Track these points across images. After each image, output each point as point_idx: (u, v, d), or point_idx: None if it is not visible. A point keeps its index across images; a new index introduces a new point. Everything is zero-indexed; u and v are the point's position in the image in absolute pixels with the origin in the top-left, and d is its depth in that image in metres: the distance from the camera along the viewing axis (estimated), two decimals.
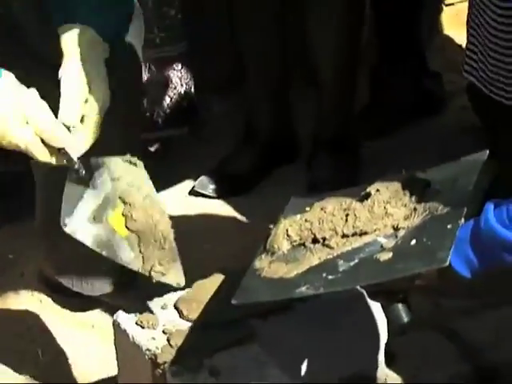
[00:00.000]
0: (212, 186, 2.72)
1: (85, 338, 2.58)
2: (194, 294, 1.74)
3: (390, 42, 3.16)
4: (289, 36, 2.85)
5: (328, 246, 1.49)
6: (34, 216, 2.23)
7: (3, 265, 2.72)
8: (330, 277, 1.42)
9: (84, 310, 2.67)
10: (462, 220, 1.44)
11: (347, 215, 1.52)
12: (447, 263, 1.38)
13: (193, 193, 2.72)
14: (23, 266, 2.70)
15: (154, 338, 1.66)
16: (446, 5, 3.48)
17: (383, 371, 1.88)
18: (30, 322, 2.62)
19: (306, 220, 1.57)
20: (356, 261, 1.45)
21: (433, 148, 2.89)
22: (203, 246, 2.53)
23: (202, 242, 2.54)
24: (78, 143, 1.70)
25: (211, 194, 2.69)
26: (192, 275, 1.79)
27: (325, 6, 2.66)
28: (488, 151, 1.53)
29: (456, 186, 1.49)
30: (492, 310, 2.25)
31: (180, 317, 1.70)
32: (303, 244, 1.54)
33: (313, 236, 1.53)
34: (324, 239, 1.50)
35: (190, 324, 1.68)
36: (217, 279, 1.79)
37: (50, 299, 2.70)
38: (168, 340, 1.63)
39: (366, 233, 1.48)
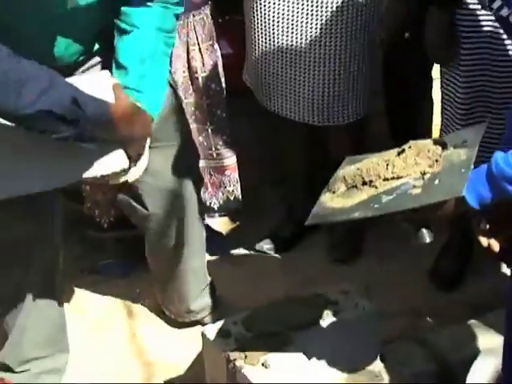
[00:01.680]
0: (267, 246, 3.35)
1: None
2: (254, 315, 2.36)
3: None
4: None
5: (374, 187, 1.88)
6: None
7: None
8: (375, 206, 1.82)
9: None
10: (472, 166, 1.78)
11: (387, 165, 1.89)
12: (462, 194, 1.74)
13: (254, 250, 3.34)
14: None
15: (228, 344, 2.26)
16: None
17: (378, 366, 2.34)
18: None
19: (357, 169, 1.94)
20: (394, 195, 1.82)
21: None
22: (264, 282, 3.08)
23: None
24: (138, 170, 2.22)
25: (268, 252, 3.32)
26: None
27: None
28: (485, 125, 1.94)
29: (465, 145, 1.88)
30: (456, 324, 2.67)
31: (246, 330, 2.29)
32: (355, 186, 1.92)
33: (362, 180, 1.91)
34: (371, 182, 1.89)
35: (251, 334, 2.27)
36: (269, 306, 2.40)
37: None
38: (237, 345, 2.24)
39: (401, 177, 1.86)
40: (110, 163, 2.23)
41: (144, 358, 2.85)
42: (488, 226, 1.88)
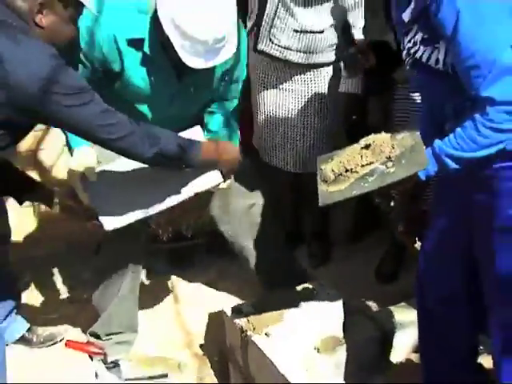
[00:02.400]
0: None
1: None
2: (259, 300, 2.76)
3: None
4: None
5: (356, 172, 2.07)
6: None
7: None
8: (365, 184, 2.02)
9: None
10: (424, 146, 2.02)
11: (361, 155, 2.09)
12: (429, 164, 1.99)
13: None
14: None
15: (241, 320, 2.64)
16: None
17: (341, 334, 2.69)
18: None
19: (340, 161, 2.11)
20: (375, 176, 2.03)
21: None
22: None
23: None
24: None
25: None
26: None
27: None
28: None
29: (407, 135, 2.11)
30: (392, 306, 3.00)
31: (254, 310, 2.66)
32: (340, 174, 2.09)
33: (345, 168, 2.09)
34: (351, 169, 2.08)
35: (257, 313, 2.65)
36: (269, 294, 2.79)
37: None
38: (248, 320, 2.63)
39: (373, 162, 2.06)
40: (208, 180, 2.52)
41: (185, 329, 3.18)
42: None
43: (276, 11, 3.08)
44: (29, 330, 3.08)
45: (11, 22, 2.02)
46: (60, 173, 3.67)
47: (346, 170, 2.06)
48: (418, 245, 3.39)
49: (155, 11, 2.37)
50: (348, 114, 3.20)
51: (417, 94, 2.91)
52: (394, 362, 2.89)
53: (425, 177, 2.03)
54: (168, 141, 2.28)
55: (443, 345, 2.51)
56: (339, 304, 2.77)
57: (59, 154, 3.65)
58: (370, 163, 2.05)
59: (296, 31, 3.11)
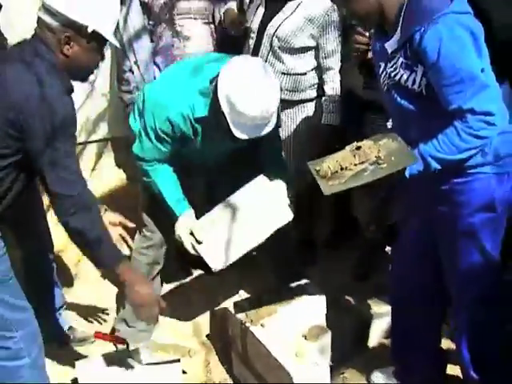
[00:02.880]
0: None
1: None
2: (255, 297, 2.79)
3: None
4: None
5: (350, 170, 2.13)
6: None
7: None
8: (362, 178, 2.08)
9: None
10: (408, 146, 2.09)
11: (354, 155, 2.16)
12: (418, 159, 2.06)
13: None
14: None
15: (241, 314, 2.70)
16: None
17: (324, 323, 2.72)
18: None
19: (336, 161, 2.17)
20: (369, 171, 2.08)
21: None
22: None
23: None
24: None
25: None
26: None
27: None
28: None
29: (389, 138, 2.17)
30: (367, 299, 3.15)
31: (250, 306, 2.70)
32: (336, 171, 2.14)
33: (340, 166, 2.15)
34: (346, 167, 2.15)
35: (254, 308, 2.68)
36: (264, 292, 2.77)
37: None
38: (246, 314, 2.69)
39: (364, 162, 2.12)
40: (282, 218, 2.67)
41: (194, 322, 3.25)
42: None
43: (267, 57, 3.18)
44: (69, 328, 3.15)
45: (40, 59, 2.09)
46: None
47: (342, 168, 2.14)
48: (388, 249, 3.55)
49: (213, 92, 2.49)
50: (329, 142, 3.25)
51: (387, 122, 3.03)
52: (370, 346, 3.02)
53: (408, 175, 2.12)
54: (93, 225, 2.23)
55: (412, 330, 2.58)
56: (323, 299, 2.87)
57: (88, 176, 3.69)
58: (362, 162, 2.12)
59: (283, 73, 3.22)
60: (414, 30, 2.05)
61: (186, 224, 2.70)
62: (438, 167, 2.11)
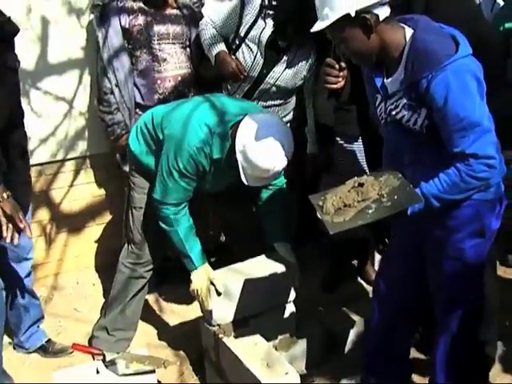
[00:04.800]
0: None
1: None
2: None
3: None
4: None
5: (354, 207, 2.07)
6: None
7: None
8: (367, 216, 2.02)
9: None
10: (411, 185, 2.04)
11: (357, 193, 2.10)
12: (422, 200, 2.03)
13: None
14: None
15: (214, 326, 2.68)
16: None
17: (294, 333, 2.83)
18: None
19: (339, 197, 2.10)
20: (373, 209, 2.04)
21: None
22: None
23: None
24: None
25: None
26: None
27: None
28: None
29: (390, 176, 2.11)
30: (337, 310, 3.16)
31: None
32: (340, 208, 2.08)
33: (344, 203, 2.09)
34: (349, 204, 2.08)
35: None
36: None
37: None
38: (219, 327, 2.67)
39: (367, 199, 2.07)
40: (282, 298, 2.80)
41: (169, 334, 3.25)
42: None
43: (259, 99, 3.21)
44: (48, 341, 3.14)
45: None
46: (66, 208, 3.73)
47: (345, 205, 2.09)
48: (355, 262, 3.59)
49: (232, 139, 2.53)
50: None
51: (354, 145, 3.10)
52: (339, 355, 2.99)
53: (410, 213, 2.10)
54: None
55: (387, 340, 2.57)
56: (293, 310, 2.88)
57: (65, 192, 3.70)
58: (365, 199, 2.08)
59: (275, 105, 3.26)
60: (422, 75, 2.01)
61: (207, 274, 2.71)
62: (438, 206, 2.10)
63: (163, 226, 2.73)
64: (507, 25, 3.29)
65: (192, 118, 2.63)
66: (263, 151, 2.46)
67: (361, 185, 2.12)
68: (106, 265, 3.72)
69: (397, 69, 2.11)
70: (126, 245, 3.03)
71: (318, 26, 2.09)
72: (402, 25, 2.11)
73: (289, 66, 3.13)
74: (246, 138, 2.48)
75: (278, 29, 3.04)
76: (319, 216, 2.12)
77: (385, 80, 2.19)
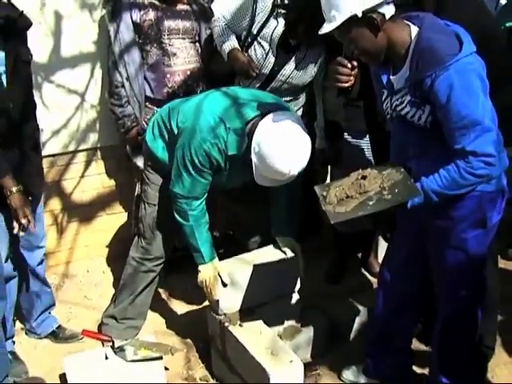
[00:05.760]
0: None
1: None
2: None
3: None
4: None
5: (356, 198, 2.09)
6: None
7: None
8: (368, 207, 2.04)
9: None
10: (412, 179, 2.07)
11: (359, 185, 2.12)
12: (421, 193, 2.06)
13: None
14: None
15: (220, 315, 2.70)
16: None
17: (299, 323, 2.85)
18: None
19: (342, 188, 2.13)
20: (374, 200, 2.06)
21: None
22: None
23: None
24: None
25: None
26: None
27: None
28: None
29: (394, 169, 2.14)
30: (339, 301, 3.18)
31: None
32: (342, 199, 2.10)
33: (346, 194, 2.11)
34: (352, 196, 2.10)
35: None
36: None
37: None
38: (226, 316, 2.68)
39: (369, 191, 2.09)
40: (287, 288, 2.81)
41: (176, 322, 3.24)
42: None
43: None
44: (58, 327, 3.16)
45: None
46: (77, 198, 3.75)
47: (347, 196, 2.12)
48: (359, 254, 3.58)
49: (248, 136, 2.48)
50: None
51: (361, 141, 3.10)
52: (342, 344, 2.99)
53: (410, 206, 2.13)
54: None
55: (390, 330, 2.59)
56: (297, 300, 2.89)
57: (77, 183, 3.71)
58: (367, 191, 2.11)
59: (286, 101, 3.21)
60: (426, 74, 2.02)
61: (215, 267, 2.71)
62: (437, 200, 2.12)
63: (178, 218, 2.70)
64: (508, 24, 3.33)
65: (203, 107, 2.60)
66: (280, 155, 2.40)
67: (364, 177, 2.14)
68: (115, 253, 3.75)
69: (402, 66, 2.12)
70: (136, 238, 3.02)
71: (325, 29, 2.09)
72: (407, 22, 2.11)
73: (299, 64, 3.13)
74: (264, 140, 2.43)
75: (288, 28, 3.03)
76: (322, 206, 2.13)
77: (391, 76, 2.19)
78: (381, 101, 2.30)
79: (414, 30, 2.09)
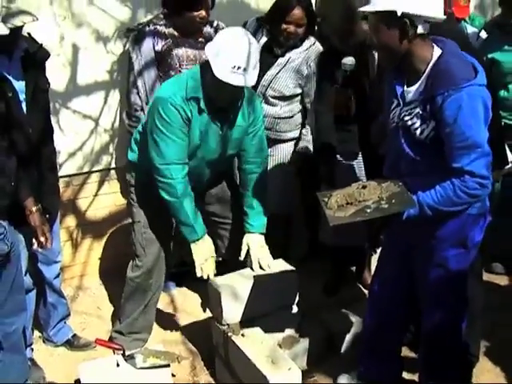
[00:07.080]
0: None
1: None
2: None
3: None
4: None
5: (355, 205, 2.12)
6: None
7: None
8: (365, 214, 2.08)
9: None
10: (409, 192, 2.10)
11: (359, 193, 2.15)
12: (416, 205, 2.09)
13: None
14: None
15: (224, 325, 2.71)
16: None
17: (297, 334, 2.85)
18: None
19: (343, 195, 2.16)
20: (372, 208, 2.09)
21: None
22: None
23: None
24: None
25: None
26: None
27: None
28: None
29: (392, 183, 2.16)
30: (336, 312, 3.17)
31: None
32: (342, 205, 2.13)
33: (346, 201, 2.14)
34: (351, 203, 2.13)
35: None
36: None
37: None
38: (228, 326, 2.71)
39: (368, 199, 2.12)
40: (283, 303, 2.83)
41: (183, 331, 3.28)
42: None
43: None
44: (73, 336, 3.21)
45: None
46: (91, 216, 3.80)
47: (347, 203, 2.14)
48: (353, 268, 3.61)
49: (202, 69, 2.59)
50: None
51: (353, 162, 3.14)
52: (338, 353, 3.03)
53: (405, 218, 2.14)
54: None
55: (381, 338, 2.61)
56: (296, 311, 2.92)
57: (91, 201, 3.77)
58: (366, 200, 2.13)
59: (275, 118, 3.38)
60: (439, 92, 2.05)
61: (210, 245, 2.72)
62: (430, 214, 2.14)
63: (166, 196, 2.67)
64: (489, 55, 3.42)
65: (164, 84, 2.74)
66: (231, 42, 2.50)
67: (364, 187, 2.18)
68: (126, 268, 3.73)
69: (418, 80, 2.16)
70: (131, 261, 3.04)
71: (366, 7, 2.13)
72: (432, 44, 2.17)
73: (282, 71, 3.26)
74: (216, 39, 2.56)
75: (272, 38, 3.22)
76: (323, 210, 2.16)
77: (405, 88, 2.22)
78: (389, 109, 2.32)
79: (437, 51, 2.15)
